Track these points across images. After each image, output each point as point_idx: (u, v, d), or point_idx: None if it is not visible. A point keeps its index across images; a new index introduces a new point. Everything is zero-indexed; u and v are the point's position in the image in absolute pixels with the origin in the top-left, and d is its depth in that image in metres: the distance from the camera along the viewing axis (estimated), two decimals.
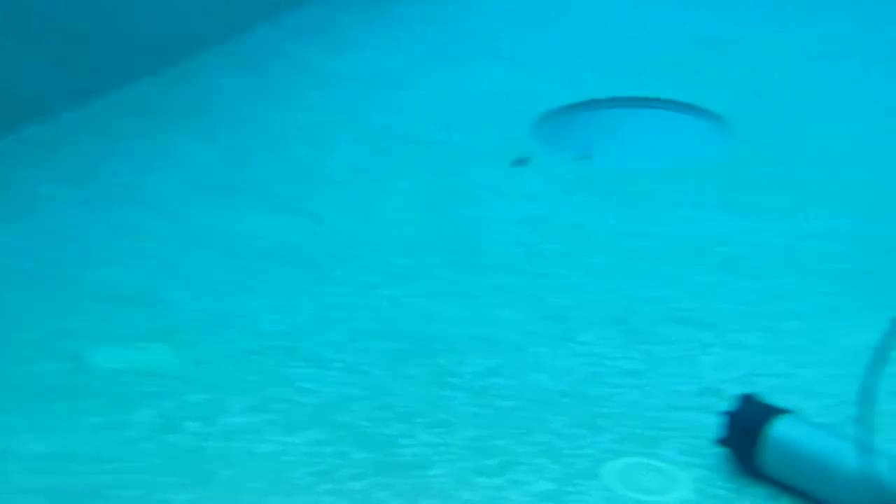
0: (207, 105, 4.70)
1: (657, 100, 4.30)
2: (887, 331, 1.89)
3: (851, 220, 3.29)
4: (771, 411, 2.28)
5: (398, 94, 4.65)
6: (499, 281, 3.13)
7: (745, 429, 2.26)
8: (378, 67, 4.96)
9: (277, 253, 3.43)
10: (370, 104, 4.56)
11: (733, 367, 2.66)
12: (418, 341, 2.87)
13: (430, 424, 2.54)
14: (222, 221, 3.67)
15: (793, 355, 2.68)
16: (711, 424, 2.43)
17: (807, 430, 2.21)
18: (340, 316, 3.04)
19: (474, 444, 2.46)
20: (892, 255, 3.07)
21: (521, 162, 3.81)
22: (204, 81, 4.91)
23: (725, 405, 2.47)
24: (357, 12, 5.61)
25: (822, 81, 4.30)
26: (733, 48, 4.84)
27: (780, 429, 2.22)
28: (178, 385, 2.74)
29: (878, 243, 3.14)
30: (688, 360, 2.69)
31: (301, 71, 5.01)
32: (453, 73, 4.82)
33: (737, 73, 4.47)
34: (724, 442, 2.32)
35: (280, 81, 4.93)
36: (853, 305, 2.85)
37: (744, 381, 2.59)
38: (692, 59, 4.71)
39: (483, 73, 4.77)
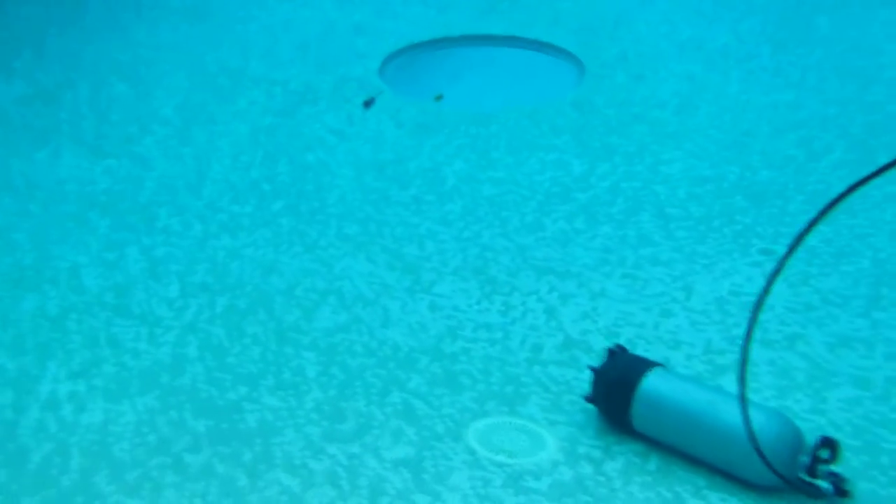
0: (10, 37, 4.27)
1: (509, 37, 4.12)
2: (765, 283, 1.76)
3: (707, 162, 3.21)
4: (638, 363, 2.16)
5: (232, 29, 4.32)
6: (345, 230, 2.91)
7: (613, 384, 2.14)
8: (209, 1, 4.60)
9: (99, 200, 3.11)
10: (201, 40, 4.22)
11: (596, 317, 2.53)
12: (260, 296, 2.64)
13: (276, 387, 2.33)
14: (34, 166, 3.32)
15: (657, 303, 2.57)
16: (576, 379, 2.32)
17: (677, 383, 2.10)
18: (173, 269, 2.77)
19: (324, 408, 2.26)
20: (749, 197, 3.00)
21: (367, 104, 3.58)
22: (5, 9, 4.46)
23: (590, 359, 2.35)
24: None
25: (671, 22, 4.22)
26: None
27: (648, 382, 2.10)
28: None
29: (734, 186, 3.07)
30: (549, 312, 2.55)
31: (117, 1, 4.61)
32: (293, 7, 4.51)
33: (588, 12, 4.34)
34: (591, 399, 2.19)
35: (96, 11, 4.51)
36: (715, 251, 2.77)
37: (608, 332, 2.47)
38: None
39: (325, 9, 4.49)
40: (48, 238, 2.94)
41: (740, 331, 2.44)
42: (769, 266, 2.68)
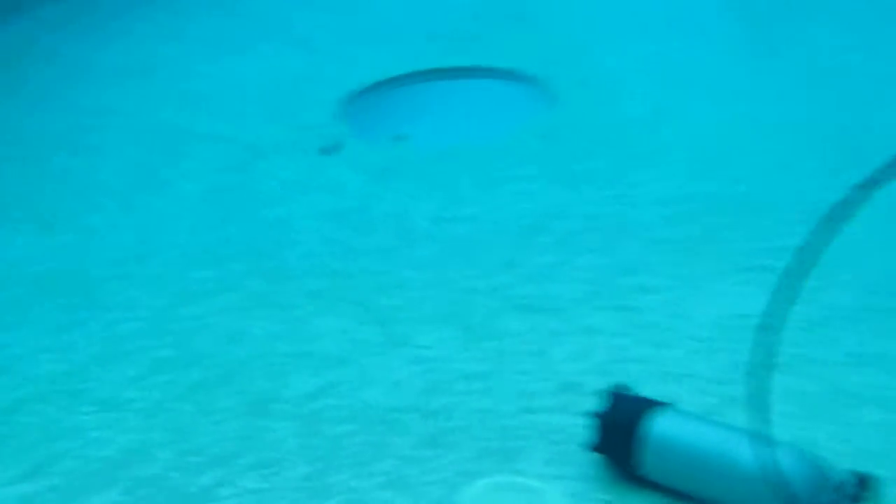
0: None
1: (470, 68, 3.98)
2: (769, 302, 1.60)
3: (681, 181, 3.07)
4: (644, 405, 1.99)
5: (178, 86, 4.15)
6: (312, 286, 2.73)
7: (618, 429, 1.96)
8: (153, 59, 4.43)
9: (47, 279, 2.92)
10: (145, 100, 4.04)
11: (589, 355, 2.37)
12: (229, 366, 2.45)
13: (252, 466, 2.13)
14: None
15: (652, 335, 2.41)
16: (576, 426, 2.14)
17: (688, 424, 1.94)
18: (133, 346, 2.58)
19: (307, 485, 2.07)
20: (731, 212, 2.87)
21: (327, 151, 3.41)
22: None
23: (588, 402, 2.17)
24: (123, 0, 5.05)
25: (635, 40, 4.11)
26: (535, 14, 4.56)
27: (657, 425, 1.93)
28: None
29: (713, 202, 2.93)
30: (538, 354, 2.39)
31: (60, 66, 4.43)
32: (239, 60, 4.35)
33: (550, 38, 4.21)
34: (595, 447, 2.01)
35: (35, 79, 4.33)
36: (706, 271, 2.62)
37: (603, 370, 2.30)
38: (495, 27, 4.40)
39: (273, 59, 4.33)
40: None
41: (745, 356, 2.27)
42: (765, 282, 2.51)
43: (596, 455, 2.02)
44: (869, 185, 1.45)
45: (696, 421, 1.95)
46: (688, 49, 4.03)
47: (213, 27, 4.73)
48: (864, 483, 1.77)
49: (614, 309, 2.52)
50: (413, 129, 3.58)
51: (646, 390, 2.16)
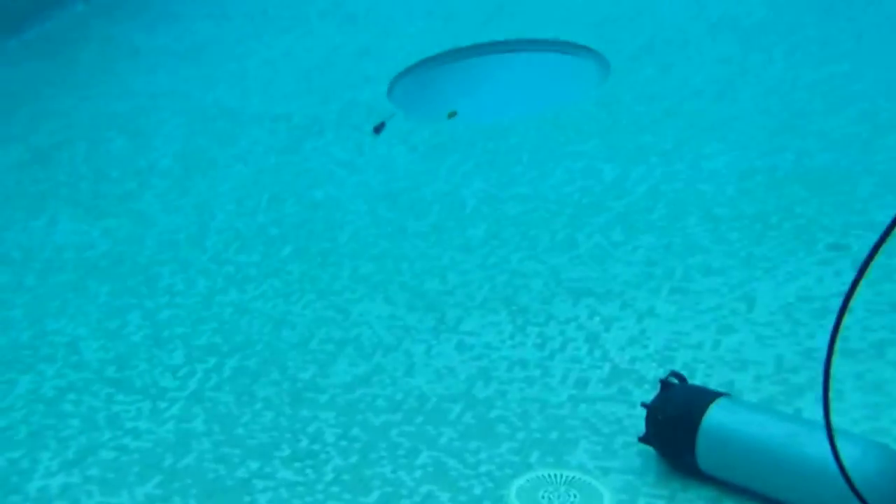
0: (4, 99, 4.07)
1: (522, 41, 3.83)
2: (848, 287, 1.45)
3: (755, 151, 2.90)
4: (701, 396, 1.85)
5: (226, 67, 4.09)
6: (360, 270, 2.64)
7: (672, 421, 1.83)
8: (203, 40, 4.38)
9: (98, 265, 2.88)
10: (197, 82, 3.99)
11: (646, 341, 2.23)
12: (271, 354, 2.38)
13: (291, 458, 2.06)
14: (30, 236, 3.09)
15: (714, 319, 2.26)
16: (629, 416, 2.02)
17: (747, 415, 1.80)
18: (176, 333, 2.52)
19: (345, 478, 1.99)
20: (809, 186, 2.69)
21: (378, 129, 3.32)
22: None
23: (643, 392, 2.05)
24: None
25: (698, 2, 3.91)
26: None
27: (715, 417, 1.79)
28: None
29: (790, 174, 2.76)
30: (591, 340, 2.26)
31: (114, 50, 4.40)
32: (288, 39, 4.28)
33: (605, 3, 4.04)
34: (647, 439, 1.88)
35: (89, 65, 4.31)
36: (775, 251, 2.46)
37: (660, 357, 2.17)
38: None
39: (322, 37, 4.25)
40: (45, 312, 2.70)
41: (816, 342, 2.12)
42: (841, 264, 2.36)
43: (650, 448, 1.90)
44: None
45: (756, 411, 1.82)
46: (765, 4, 3.82)
47: (260, 6, 4.66)
48: None
49: (673, 292, 2.38)
50: (464, 106, 3.47)
51: (704, 379, 2.03)
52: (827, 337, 1.45)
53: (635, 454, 1.92)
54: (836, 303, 2.13)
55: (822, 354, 1.60)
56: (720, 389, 1.93)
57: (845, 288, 1.37)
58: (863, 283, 2.26)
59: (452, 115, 3.39)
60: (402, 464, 1.99)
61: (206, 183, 3.21)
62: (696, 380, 2.05)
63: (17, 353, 2.55)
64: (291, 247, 2.78)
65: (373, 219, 2.86)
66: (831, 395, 1.66)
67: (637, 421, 1.97)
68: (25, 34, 4.52)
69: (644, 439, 1.89)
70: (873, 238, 1.30)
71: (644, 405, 1.90)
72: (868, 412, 1.94)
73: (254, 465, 2.05)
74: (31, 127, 3.82)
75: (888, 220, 1.37)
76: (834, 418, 1.65)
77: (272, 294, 2.59)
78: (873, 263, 1.34)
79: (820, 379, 1.46)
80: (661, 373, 2.03)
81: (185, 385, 2.33)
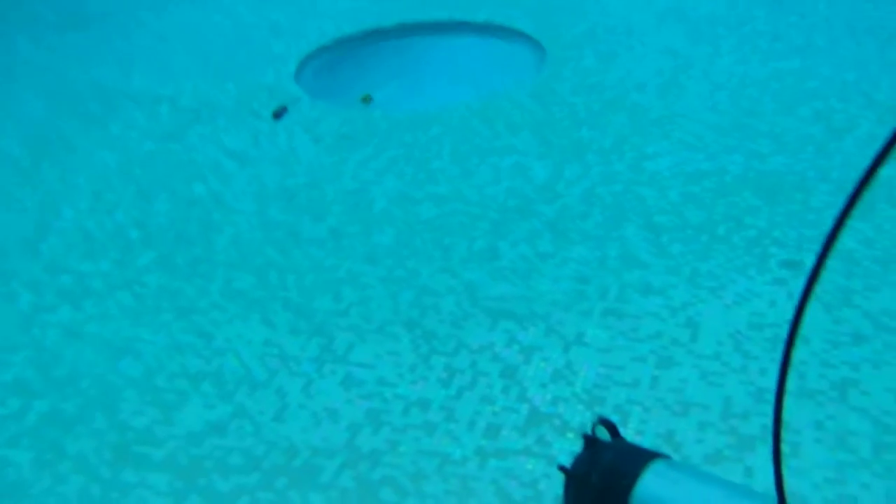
0: None
1: (452, 23, 3.43)
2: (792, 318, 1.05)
3: (703, 153, 2.54)
4: (632, 459, 1.46)
5: (114, 41, 3.62)
6: (236, 283, 2.21)
7: (596, 493, 1.44)
8: (89, 10, 3.91)
9: None
10: (70, 54, 3.52)
11: (571, 377, 1.84)
12: (100, 393, 1.92)
13: None
14: None
15: (652, 350, 1.88)
16: (547, 477, 1.63)
17: (688, 486, 1.41)
18: None
19: None
20: (761, 193, 2.34)
21: (277, 114, 2.90)
22: None
23: (565, 443, 1.67)
24: None
25: None
26: None
27: (648, 489, 1.40)
28: None
29: (740, 179, 2.40)
30: (506, 375, 1.87)
31: None
32: (192, 9, 3.83)
33: None
34: None
35: None
36: (723, 268, 2.09)
37: (587, 398, 1.78)
38: None
39: (229, 10, 3.80)
40: None
41: (769, 380, 1.76)
42: (795, 284, 2.00)
43: None
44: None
45: (702, 481, 1.42)
46: (703, 1, 3.48)
47: None
48: None
49: (607, 314, 1.99)
50: (383, 93, 3.06)
51: (639, 426, 1.65)
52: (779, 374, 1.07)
53: None
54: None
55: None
56: (658, 438, 1.56)
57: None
58: (820, 308, 1.92)
59: (367, 100, 2.98)
60: None
61: (57, 173, 2.74)
62: (630, 427, 1.68)
63: None
64: (154, 253, 2.34)
65: (260, 221, 2.43)
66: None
67: (557, 483, 1.59)
68: None
69: None
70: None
71: (562, 469, 1.50)
72: (831, 474, 1.57)
73: None
74: None
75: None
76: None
77: (117, 313, 2.14)
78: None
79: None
80: (588, 417, 1.66)
81: None
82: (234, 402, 1.85)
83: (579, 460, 1.50)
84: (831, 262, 2.00)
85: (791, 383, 1.73)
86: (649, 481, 1.41)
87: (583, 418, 1.73)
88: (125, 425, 1.82)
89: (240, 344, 2.00)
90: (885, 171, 2.29)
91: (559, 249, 2.22)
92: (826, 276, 1.96)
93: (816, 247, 2.07)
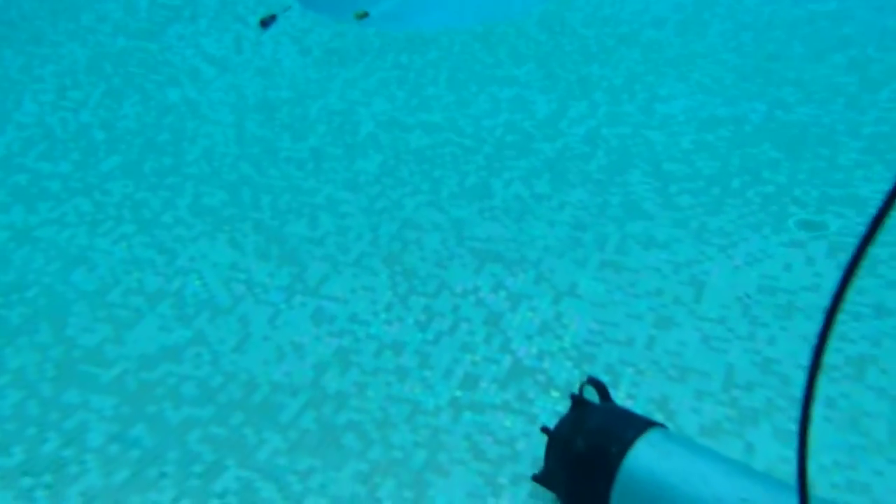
0: None
1: None
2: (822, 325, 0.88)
3: (721, 97, 2.37)
4: (623, 426, 1.31)
5: None
6: (205, 199, 2.04)
7: (582, 460, 1.29)
8: None
9: None
10: None
11: (560, 330, 1.69)
12: (49, 303, 1.77)
13: (19, 470, 1.47)
14: None
15: (651, 308, 1.72)
16: (526, 436, 1.48)
17: (686, 461, 1.26)
18: None
19: None
20: (783, 146, 2.17)
21: (265, 22, 2.69)
22: None
23: (548, 402, 1.51)
24: None
25: None
26: None
27: (640, 459, 1.25)
28: None
29: (761, 129, 2.23)
30: (490, 322, 1.71)
31: None
32: None
33: None
34: (544, 479, 1.35)
35: None
36: (735, 224, 1.93)
37: (576, 354, 1.63)
38: None
39: None
40: None
41: (777, 350, 1.60)
42: (815, 248, 1.83)
43: (547, 490, 1.36)
44: None
45: (699, 456, 1.27)
46: None
47: None
48: None
49: (604, 266, 1.83)
50: (380, 7, 2.85)
51: (630, 389, 1.50)
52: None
53: (527, 496, 1.38)
54: (806, 299, 1.62)
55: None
56: (651, 404, 1.42)
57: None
58: (840, 276, 1.77)
59: (362, 15, 2.78)
60: (190, 489, 1.42)
61: (21, 62, 2.54)
62: (621, 389, 1.53)
63: None
64: (119, 158, 2.15)
65: (237, 134, 2.25)
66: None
67: (536, 444, 1.45)
68: None
69: (540, 478, 1.35)
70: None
71: (545, 430, 1.35)
72: (842, 457, 1.43)
73: None
74: None
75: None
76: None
77: (74, 219, 1.97)
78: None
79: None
80: (576, 375, 1.51)
81: None
82: (193, 328, 1.69)
83: (564, 422, 1.35)
84: (856, 227, 1.83)
85: (802, 355, 1.58)
86: (642, 451, 1.26)
87: (570, 376, 1.58)
88: (72, 341, 1.66)
89: (204, 265, 1.83)
90: None
91: (557, 192, 2.05)
92: (849, 241, 1.79)
93: (840, 208, 1.91)
